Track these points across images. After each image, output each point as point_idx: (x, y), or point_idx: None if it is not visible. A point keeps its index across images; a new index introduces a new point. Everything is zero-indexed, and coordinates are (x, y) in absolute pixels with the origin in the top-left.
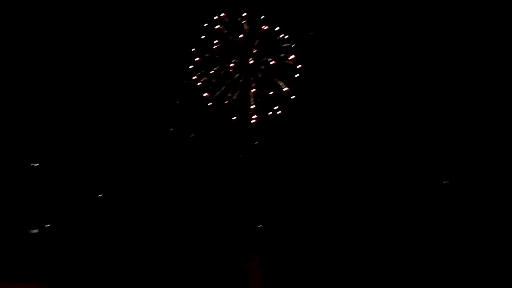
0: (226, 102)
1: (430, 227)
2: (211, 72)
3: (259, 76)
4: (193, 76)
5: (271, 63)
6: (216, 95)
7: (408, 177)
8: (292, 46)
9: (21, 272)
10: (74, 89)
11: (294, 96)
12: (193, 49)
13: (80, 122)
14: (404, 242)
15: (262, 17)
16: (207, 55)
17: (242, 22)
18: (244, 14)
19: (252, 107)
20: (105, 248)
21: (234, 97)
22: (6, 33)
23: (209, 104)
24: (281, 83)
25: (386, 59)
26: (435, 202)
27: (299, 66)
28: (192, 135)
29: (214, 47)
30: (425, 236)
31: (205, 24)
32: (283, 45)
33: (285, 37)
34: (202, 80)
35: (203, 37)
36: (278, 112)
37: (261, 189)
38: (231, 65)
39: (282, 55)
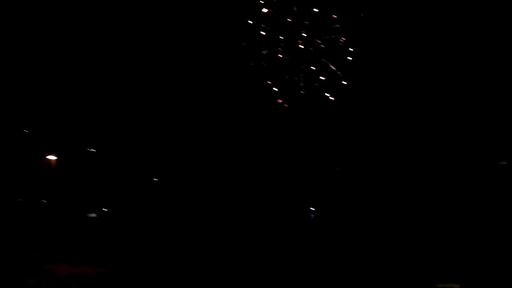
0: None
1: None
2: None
3: (309, 58)
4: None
5: (321, 45)
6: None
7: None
8: (341, 27)
9: (80, 255)
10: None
11: (345, 82)
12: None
13: (141, 116)
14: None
15: None
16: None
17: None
18: None
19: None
20: (161, 233)
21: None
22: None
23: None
24: (332, 67)
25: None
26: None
27: (351, 49)
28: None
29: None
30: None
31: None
32: (333, 26)
33: (334, 17)
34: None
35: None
36: (331, 98)
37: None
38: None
39: (332, 36)
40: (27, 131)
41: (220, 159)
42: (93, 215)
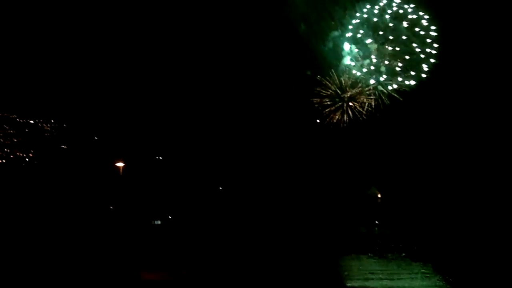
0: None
1: None
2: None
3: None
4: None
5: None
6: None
7: None
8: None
9: (147, 261)
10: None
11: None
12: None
13: (205, 128)
14: None
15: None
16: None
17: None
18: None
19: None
20: (221, 240)
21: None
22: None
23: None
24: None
25: None
26: None
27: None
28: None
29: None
30: None
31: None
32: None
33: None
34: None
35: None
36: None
37: None
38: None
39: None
40: (96, 138)
41: (276, 172)
42: (158, 222)
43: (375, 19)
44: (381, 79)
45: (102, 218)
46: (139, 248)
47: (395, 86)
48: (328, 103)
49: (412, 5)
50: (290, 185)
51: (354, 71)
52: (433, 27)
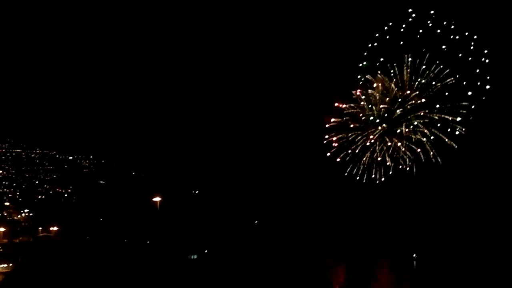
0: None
1: None
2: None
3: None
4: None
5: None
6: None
7: None
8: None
9: None
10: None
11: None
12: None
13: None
14: None
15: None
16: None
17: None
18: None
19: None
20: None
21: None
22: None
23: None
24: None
25: None
26: None
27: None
28: None
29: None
30: None
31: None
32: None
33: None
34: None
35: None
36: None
37: None
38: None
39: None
40: (134, 173)
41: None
42: (194, 256)
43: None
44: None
45: (139, 252)
46: (175, 282)
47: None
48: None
49: None
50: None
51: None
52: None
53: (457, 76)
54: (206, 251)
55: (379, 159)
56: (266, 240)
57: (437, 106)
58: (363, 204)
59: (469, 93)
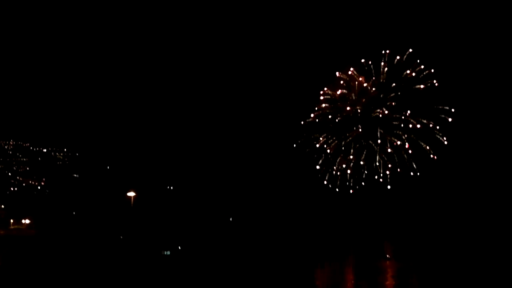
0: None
1: None
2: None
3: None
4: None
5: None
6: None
7: None
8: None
9: None
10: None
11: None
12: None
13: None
14: None
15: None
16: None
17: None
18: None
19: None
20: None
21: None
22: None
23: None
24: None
25: None
26: None
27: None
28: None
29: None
30: None
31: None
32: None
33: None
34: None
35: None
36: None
37: None
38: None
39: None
40: (108, 168)
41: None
42: (168, 252)
43: None
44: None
45: (112, 247)
46: (148, 278)
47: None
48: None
49: None
50: (297, 218)
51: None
52: None
53: (438, 78)
54: (179, 247)
55: (351, 164)
56: (241, 237)
57: (415, 110)
58: (337, 210)
59: (451, 96)
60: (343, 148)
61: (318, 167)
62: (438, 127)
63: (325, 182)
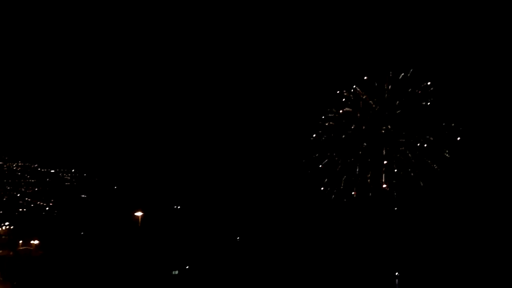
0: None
1: None
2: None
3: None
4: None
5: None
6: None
7: None
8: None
9: None
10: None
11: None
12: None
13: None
14: None
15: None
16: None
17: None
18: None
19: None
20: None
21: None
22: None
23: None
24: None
25: None
26: None
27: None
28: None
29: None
30: None
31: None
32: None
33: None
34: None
35: None
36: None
37: None
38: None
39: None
40: (116, 188)
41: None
42: (176, 272)
43: None
44: None
45: (121, 267)
46: None
47: None
48: None
49: None
50: (305, 236)
51: None
52: None
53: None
54: (187, 266)
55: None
56: (248, 256)
57: (419, 126)
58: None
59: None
60: (348, 165)
61: (322, 188)
62: (441, 142)
63: (332, 199)
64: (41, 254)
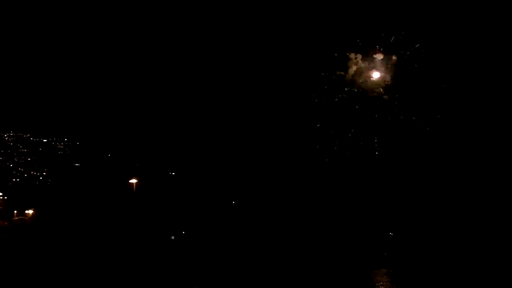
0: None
1: None
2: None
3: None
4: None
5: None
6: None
7: None
8: None
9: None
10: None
11: None
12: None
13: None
14: None
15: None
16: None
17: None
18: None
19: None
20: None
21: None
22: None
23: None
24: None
25: None
26: None
27: None
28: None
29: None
30: None
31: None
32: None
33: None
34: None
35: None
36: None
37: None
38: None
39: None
40: (109, 156)
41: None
42: (172, 237)
43: None
44: None
45: (116, 234)
46: (155, 263)
47: None
48: None
49: None
50: (301, 199)
51: None
52: None
53: None
54: (183, 232)
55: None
56: (244, 221)
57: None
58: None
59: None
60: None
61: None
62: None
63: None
64: (37, 223)
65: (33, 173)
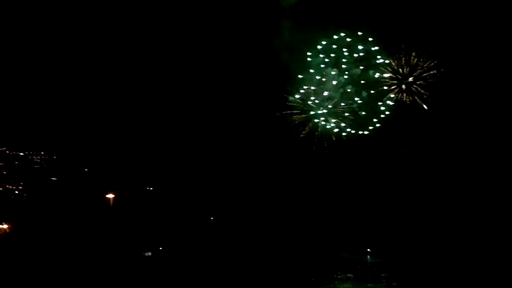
0: None
1: None
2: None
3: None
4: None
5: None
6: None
7: None
8: None
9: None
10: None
11: None
12: None
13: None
14: None
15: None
16: None
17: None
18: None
19: None
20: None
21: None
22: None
23: None
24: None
25: None
26: None
27: None
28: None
29: None
30: None
31: None
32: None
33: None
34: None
35: None
36: None
37: None
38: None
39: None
40: (87, 170)
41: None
42: (149, 253)
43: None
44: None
45: (92, 250)
46: (130, 280)
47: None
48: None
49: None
50: (279, 216)
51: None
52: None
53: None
54: (160, 248)
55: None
56: (222, 236)
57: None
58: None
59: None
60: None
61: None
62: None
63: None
64: (12, 237)
65: (9, 186)
